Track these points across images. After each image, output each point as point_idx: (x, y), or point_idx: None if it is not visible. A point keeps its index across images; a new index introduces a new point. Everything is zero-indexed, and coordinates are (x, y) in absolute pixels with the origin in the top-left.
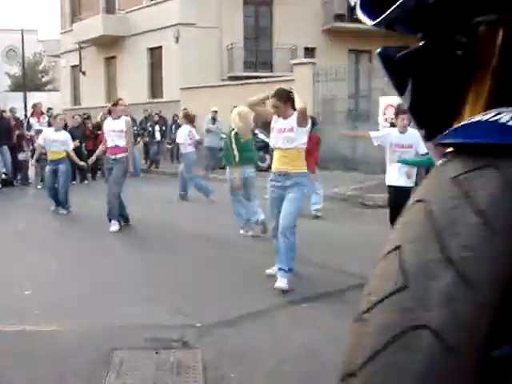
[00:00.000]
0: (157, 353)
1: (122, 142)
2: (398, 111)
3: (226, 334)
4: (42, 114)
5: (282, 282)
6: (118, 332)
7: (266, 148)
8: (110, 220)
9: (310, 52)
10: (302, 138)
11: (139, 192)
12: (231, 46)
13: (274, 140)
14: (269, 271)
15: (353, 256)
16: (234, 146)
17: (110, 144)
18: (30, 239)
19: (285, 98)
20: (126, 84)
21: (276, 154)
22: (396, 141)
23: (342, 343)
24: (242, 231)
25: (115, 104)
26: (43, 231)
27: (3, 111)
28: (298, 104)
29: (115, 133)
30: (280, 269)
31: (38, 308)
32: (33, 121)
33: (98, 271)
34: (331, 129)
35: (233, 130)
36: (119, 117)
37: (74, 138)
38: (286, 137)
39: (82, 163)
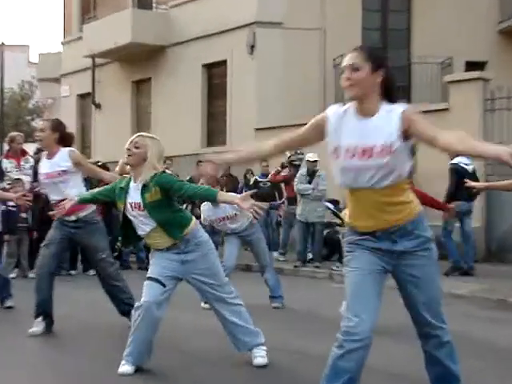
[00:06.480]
0: None
1: None
2: None
3: None
4: (24, 154)
5: None
6: None
7: None
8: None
9: (475, 69)
10: None
11: None
12: (341, 58)
13: None
14: None
15: None
16: None
17: None
18: None
19: None
20: (166, 124)
21: None
22: None
23: None
24: None
25: None
26: None
27: None
28: None
29: None
30: None
31: None
32: (8, 164)
33: None
34: None
35: None
36: None
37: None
38: None
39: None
